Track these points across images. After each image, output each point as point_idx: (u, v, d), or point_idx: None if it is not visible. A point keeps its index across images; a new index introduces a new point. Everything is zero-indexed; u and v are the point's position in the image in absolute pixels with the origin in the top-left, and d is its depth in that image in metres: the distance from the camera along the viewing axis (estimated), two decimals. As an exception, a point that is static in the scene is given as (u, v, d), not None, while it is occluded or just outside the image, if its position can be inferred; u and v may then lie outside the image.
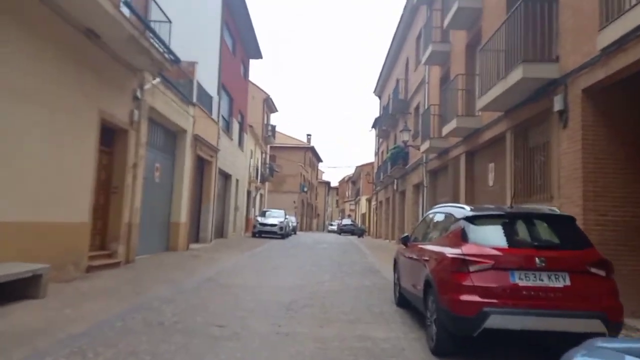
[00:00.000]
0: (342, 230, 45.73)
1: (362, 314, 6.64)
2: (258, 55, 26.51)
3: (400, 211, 24.74)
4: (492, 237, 4.88)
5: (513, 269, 4.47)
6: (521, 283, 4.41)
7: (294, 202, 52.51)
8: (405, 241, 7.05)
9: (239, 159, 25.37)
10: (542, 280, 4.44)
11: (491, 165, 11.19)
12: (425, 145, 15.15)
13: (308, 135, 65.21)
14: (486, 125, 10.81)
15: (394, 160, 22.52)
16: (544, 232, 4.99)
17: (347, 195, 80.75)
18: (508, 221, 5.01)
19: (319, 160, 71.55)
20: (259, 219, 27.00)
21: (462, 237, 4.88)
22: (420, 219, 18.32)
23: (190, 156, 15.63)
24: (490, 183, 11.17)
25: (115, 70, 9.78)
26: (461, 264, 4.62)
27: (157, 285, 8.15)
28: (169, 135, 14.59)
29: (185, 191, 15.26)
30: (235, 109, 23.88)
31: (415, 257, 6.19)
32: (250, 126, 28.92)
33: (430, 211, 6.66)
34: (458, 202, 12.93)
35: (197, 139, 16.01)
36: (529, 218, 5.07)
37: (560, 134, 7.42)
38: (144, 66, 10.47)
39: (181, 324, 5.56)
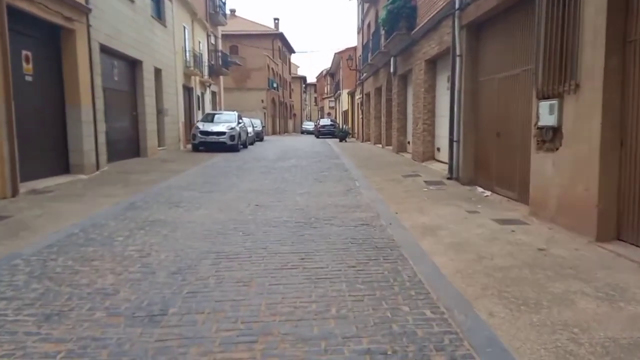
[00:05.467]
0: (320, 133, 38.08)
1: None
2: None
3: (401, 104, 17.12)
4: None
5: None
6: None
7: (262, 101, 44.18)
8: None
9: (156, 38, 16.87)
10: None
11: None
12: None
13: (275, 19, 54.77)
14: None
15: (391, 24, 14.40)
16: None
17: (325, 91, 71.79)
18: None
19: (291, 50, 61.72)
20: (200, 125, 19.17)
21: None
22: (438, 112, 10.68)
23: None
24: None
25: None
26: None
27: None
28: None
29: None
30: (138, -47, 14.88)
31: None
32: (178, -10, 19.89)
33: None
34: (560, 73, 5.47)
35: (3, -29, 7.69)
36: None
37: None
38: None
39: None
